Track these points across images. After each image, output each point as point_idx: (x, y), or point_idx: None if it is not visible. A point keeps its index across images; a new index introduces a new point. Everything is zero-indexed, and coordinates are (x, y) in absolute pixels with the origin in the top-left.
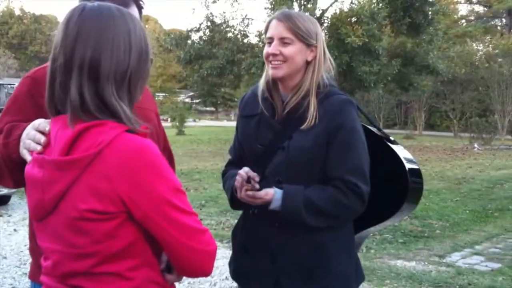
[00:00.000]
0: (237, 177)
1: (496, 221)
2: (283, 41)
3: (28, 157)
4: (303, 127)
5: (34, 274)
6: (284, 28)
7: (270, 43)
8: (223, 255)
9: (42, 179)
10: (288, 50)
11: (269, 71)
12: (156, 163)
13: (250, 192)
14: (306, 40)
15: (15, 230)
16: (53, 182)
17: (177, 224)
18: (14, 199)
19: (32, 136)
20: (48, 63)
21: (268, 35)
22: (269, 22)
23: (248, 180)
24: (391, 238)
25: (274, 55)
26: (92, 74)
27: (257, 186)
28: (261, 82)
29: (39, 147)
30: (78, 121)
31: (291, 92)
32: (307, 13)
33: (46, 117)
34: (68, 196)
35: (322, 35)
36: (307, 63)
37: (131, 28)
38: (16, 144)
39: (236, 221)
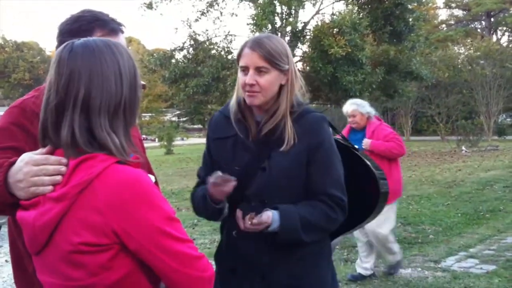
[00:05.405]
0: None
1: (488, 223)
2: (259, 70)
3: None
4: (282, 148)
5: None
6: (258, 57)
7: (244, 71)
8: None
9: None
10: (264, 80)
11: (246, 99)
12: (147, 193)
13: (255, 220)
14: (280, 66)
15: (6, 261)
16: (43, 214)
17: (172, 252)
18: (5, 229)
19: (39, 171)
20: (42, 104)
21: (242, 63)
22: (241, 50)
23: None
24: None
25: (251, 85)
26: (84, 110)
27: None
28: (232, 104)
29: (58, 177)
30: (71, 157)
31: (265, 114)
32: (288, 27)
33: (35, 145)
34: (61, 230)
35: (291, 56)
36: (281, 86)
37: (119, 60)
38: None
39: None
